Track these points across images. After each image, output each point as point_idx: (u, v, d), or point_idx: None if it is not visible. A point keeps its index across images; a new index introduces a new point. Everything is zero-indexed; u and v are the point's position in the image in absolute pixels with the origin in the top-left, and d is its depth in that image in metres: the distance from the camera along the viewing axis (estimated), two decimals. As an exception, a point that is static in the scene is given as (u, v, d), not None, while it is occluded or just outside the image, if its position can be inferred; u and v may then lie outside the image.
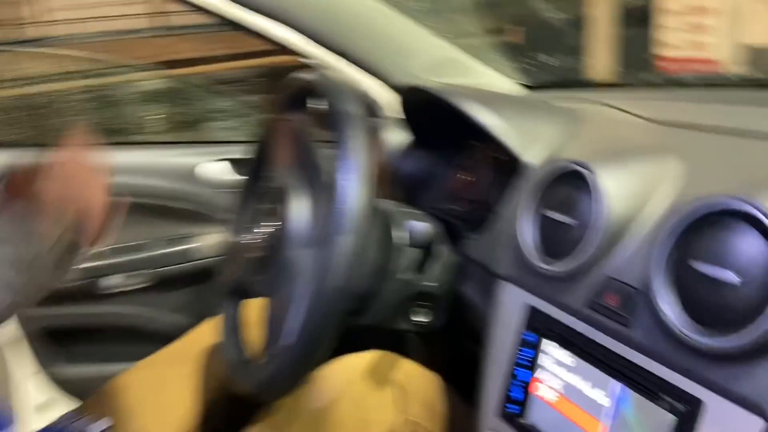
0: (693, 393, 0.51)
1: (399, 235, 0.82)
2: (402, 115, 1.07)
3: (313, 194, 0.71)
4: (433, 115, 1.00)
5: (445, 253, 0.85)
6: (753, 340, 0.46)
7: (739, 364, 0.48)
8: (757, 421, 0.46)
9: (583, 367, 0.62)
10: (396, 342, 0.93)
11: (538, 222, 0.69)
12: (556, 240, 0.67)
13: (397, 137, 1.12)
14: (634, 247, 0.60)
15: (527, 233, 0.70)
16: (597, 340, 0.61)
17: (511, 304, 0.72)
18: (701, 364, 0.51)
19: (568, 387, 0.63)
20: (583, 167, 0.64)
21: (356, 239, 0.62)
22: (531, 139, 0.81)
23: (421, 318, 0.85)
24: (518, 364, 0.69)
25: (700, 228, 0.52)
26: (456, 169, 1.03)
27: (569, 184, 0.67)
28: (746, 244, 0.48)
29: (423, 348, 1.00)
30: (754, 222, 0.48)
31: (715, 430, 0.49)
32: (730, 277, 0.48)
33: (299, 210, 0.70)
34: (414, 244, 0.82)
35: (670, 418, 0.53)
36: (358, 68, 1.15)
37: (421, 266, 0.83)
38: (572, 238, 0.64)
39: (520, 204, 0.72)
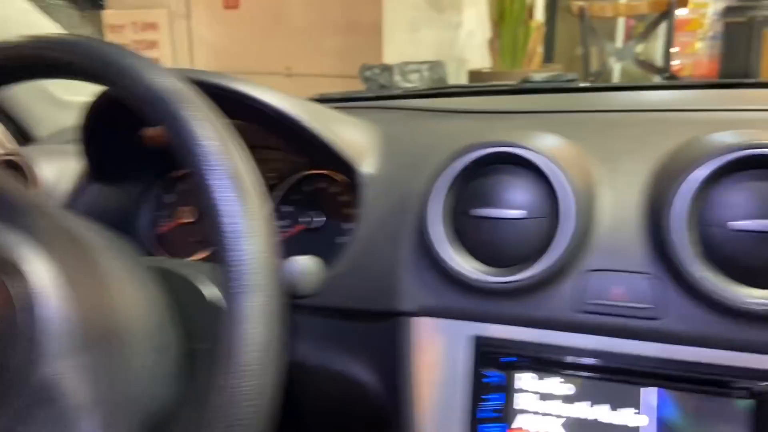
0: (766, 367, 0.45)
1: (210, 292, 0.51)
2: (79, 137, 0.70)
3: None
4: (121, 137, 0.68)
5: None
6: None
7: None
8: None
9: (590, 388, 0.49)
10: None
11: (463, 227, 0.53)
12: (499, 243, 0.52)
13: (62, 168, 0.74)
14: (611, 229, 0.51)
15: (450, 243, 0.53)
16: (604, 349, 0.49)
17: (440, 345, 0.53)
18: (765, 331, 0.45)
19: (573, 423, 0.49)
20: (523, 148, 0.52)
21: None
22: (357, 148, 0.63)
23: None
24: (481, 420, 0.50)
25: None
26: (161, 208, 0.74)
27: (489, 175, 0.53)
28: None
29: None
30: None
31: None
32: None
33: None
34: None
35: (743, 405, 0.45)
36: None
37: None
38: (529, 235, 0.51)
39: (429, 209, 0.53)
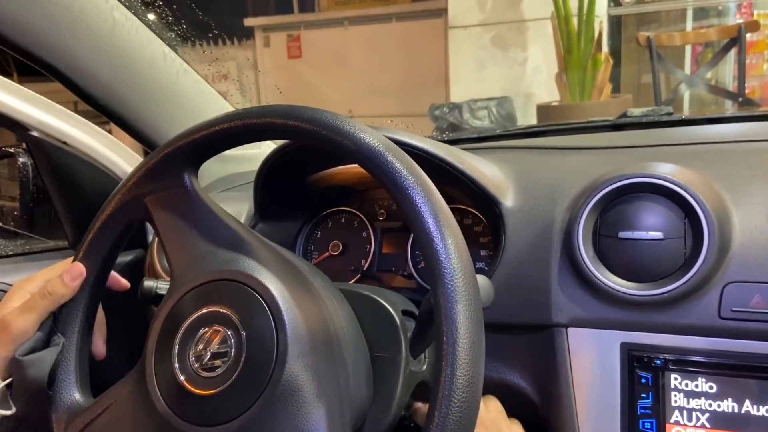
0: None
1: (393, 309, 0.60)
2: (255, 184, 0.82)
3: None
4: (286, 184, 0.80)
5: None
6: None
7: None
8: None
9: (734, 385, 0.56)
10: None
11: (606, 248, 0.61)
12: (641, 261, 0.60)
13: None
14: (743, 245, 0.58)
15: (598, 263, 0.61)
16: (746, 351, 0.56)
17: (592, 352, 0.61)
18: None
19: (720, 417, 0.56)
20: (660, 178, 0.60)
21: None
22: (497, 184, 0.73)
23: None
24: (640, 416, 0.58)
25: None
26: (312, 242, 0.86)
27: (629, 202, 0.62)
28: None
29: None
30: None
31: None
32: None
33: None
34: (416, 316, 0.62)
35: None
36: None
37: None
38: (666, 254, 0.59)
39: (578, 232, 0.62)
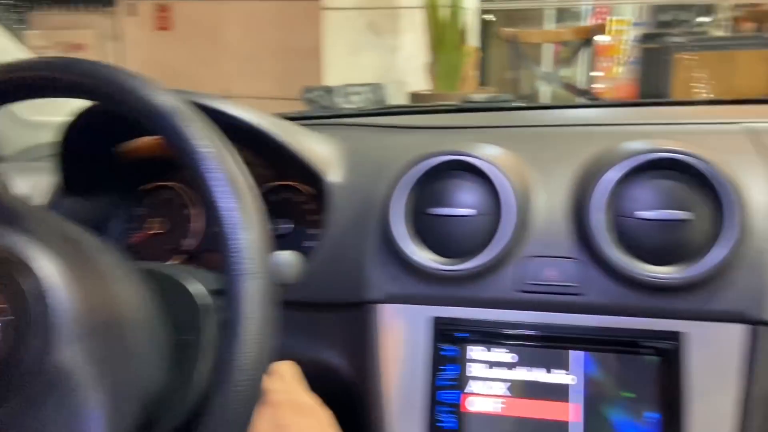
0: (669, 329, 0.56)
1: (195, 289, 0.57)
2: (56, 154, 0.75)
3: None
4: (94, 154, 0.74)
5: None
6: (713, 266, 0.55)
7: (709, 287, 0.56)
8: (740, 328, 0.55)
9: (529, 355, 0.59)
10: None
11: (421, 224, 0.62)
12: (453, 237, 0.61)
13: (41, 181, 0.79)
14: (544, 220, 0.61)
15: (410, 238, 0.62)
16: (540, 322, 0.59)
17: (403, 327, 0.61)
18: (671, 299, 0.56)
19: (516, 385, 0.59)
20: (472, 156, 0.62)
21: None
22: (323, 160, 0.72)
23: None
24: (440, 387, 0.59)
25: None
26: (131, 220, 0.80)
27: (443, 180, 0.63)
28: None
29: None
30: None
31: (702, 353, 0.56)
32: (677, 215, 0.56)
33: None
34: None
35: (652, 361, 0.56)
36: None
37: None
38: (477, 229, 0.61)
39: (392, 209, 0.62)
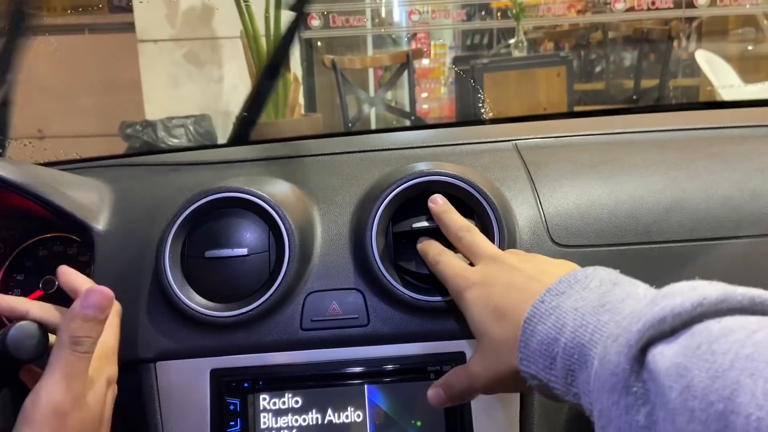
0: (455, 350, 0.56)
1: None
2: None
3: None
4: None
5: None
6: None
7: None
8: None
9: (318, 396, 0.56)
10: None
11: (196, 269, 0.57)
12: (229, 280, 0.57)
13: None
14: (324, 254, 0.59)
15: (186, 286, 0.56)
16: (327, 359, 0.56)
17: (182, 384, 0.56)
18: (452, 320, 0.56)
19: (307, 430, 0.55)
20: (244, 192, 0.58)
21: None
22: (88, 207, 0.65)
23: None
24: (225, 447, 0.54)
25: None
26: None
27: (216, 219, 0.59)
28: None
29: None
30: None
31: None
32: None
33: None
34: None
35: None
36: None
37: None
38: (255, 269, 0.57)
39: (164, 255, 0.56)
